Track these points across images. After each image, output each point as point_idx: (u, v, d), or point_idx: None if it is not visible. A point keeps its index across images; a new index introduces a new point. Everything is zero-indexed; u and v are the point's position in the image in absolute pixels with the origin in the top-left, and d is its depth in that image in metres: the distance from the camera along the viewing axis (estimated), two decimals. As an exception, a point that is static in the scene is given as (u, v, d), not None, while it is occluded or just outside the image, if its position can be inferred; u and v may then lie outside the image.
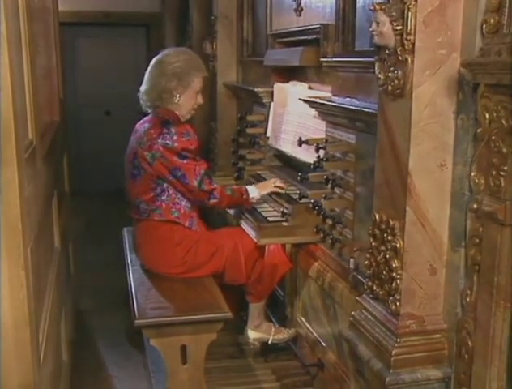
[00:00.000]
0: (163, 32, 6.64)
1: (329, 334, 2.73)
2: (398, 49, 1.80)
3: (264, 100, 3.63)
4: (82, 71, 7.15)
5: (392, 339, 1.90)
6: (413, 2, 1.72)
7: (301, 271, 3.03)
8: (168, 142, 2.72)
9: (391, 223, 1.90)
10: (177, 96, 2.86)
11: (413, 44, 1.75)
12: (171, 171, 2.74)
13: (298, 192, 2.93)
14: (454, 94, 1.78)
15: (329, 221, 2.68)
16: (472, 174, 1.70)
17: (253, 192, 2.95)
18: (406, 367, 1.87)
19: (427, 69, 1.76)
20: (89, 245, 5.03)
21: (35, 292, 1.87)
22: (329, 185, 2.61)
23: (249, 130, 3.79)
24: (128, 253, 3.12)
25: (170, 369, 2.53)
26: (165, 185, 2.79)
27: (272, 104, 3.55)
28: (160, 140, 2.72)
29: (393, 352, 1.87)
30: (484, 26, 1.63)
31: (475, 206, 1.67)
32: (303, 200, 2.84)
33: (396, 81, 1.82)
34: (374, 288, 2.02)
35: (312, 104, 2.80)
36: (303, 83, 3.20)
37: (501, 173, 1.58)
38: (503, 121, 1.56)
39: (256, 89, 3.67)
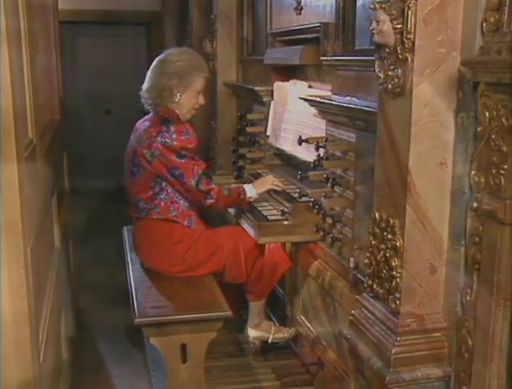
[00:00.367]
0: (163, 31, 6.64)
1: (329, 333, 2.73)
2: (399, 48, 1.79)
3: (264, 99, 3.63)
4: (82, 70, 7.15)
5: (392, 337, 1.90)
6: (413, 1, 1.72)
7: (301, 270, 3.03)
8: (167, 140, 2.72)
9: (391, 221, 1.90)
10: (178, 95, 2.86)
11: (413, 42, 1.74)
12: (169, 170, 2.74)
13: (298, 191, 2.93)
14: (454, 93, 1.78)
15: (329, 220, 2.68)
16: (472, 173, 1.70)
17: (251, 192, 2.94)
18: (406, 366, 1.87)
19: (427, 67, 1.76)
20: (89, 244, 5.03)
21: (35, 290, 1.87)
22: (329, 184, 2.61)
23: (249, 129, 3.79)
24: (128, 251, 3.13)
25: (170, 367, 2.53)
26: (164, 183, 2.79)
27: (272, 102, 3.55)
28: (159, 138, 2.73)
29: (393, 350, 1.87)
30: (484, 24, 1.63)
31: (475, 204, 1.67)
32: (303, 199, 2.84)
33: (396, 80, 1.82)
34: (374, 286, 2.02)
35: (312, 102, 2.80)
36: (303, 82, 3.20)
37: (501, 171, 1.57)
38: (503, 120, 1.56)
39: (256, 88, 3.66)
